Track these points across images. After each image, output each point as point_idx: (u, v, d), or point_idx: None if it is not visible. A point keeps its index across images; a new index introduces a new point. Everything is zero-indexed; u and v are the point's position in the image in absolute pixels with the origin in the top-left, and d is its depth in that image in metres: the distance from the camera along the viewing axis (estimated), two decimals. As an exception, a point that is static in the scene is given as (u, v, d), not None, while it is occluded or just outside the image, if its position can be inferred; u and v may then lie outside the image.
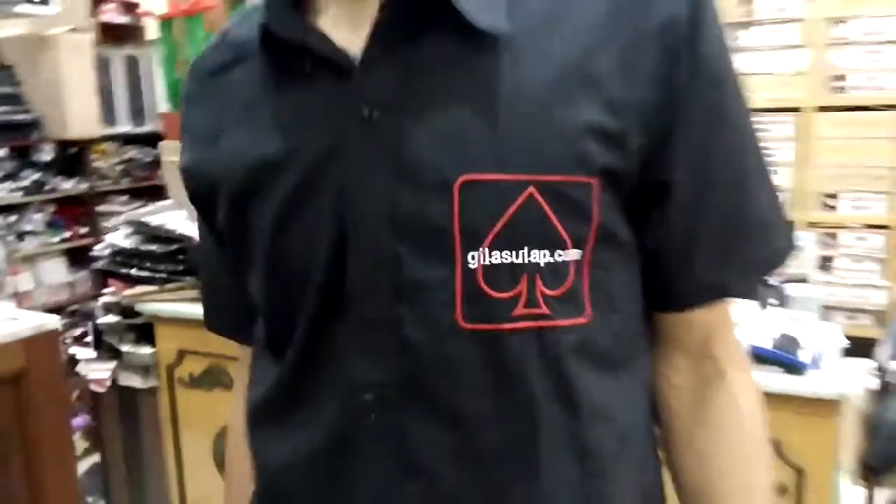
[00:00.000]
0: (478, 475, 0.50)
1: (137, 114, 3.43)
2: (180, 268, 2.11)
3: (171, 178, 2.63)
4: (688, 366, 0.57)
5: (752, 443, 0.57)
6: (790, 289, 1.76)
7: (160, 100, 3.13)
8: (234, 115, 0.55)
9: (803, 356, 1.39)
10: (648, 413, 0.57)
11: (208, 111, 0.58)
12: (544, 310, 0.48)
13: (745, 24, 2.83)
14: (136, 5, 3.42)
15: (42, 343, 0.96)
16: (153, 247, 2.14)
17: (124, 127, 3.42)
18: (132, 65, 3.39)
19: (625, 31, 0.48)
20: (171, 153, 2.62)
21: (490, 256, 0.47)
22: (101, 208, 3.49)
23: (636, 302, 0.54)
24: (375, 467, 0.50)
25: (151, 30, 3.49)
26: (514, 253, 0.47)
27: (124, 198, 3.58)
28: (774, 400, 1.30)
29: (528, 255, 0.47)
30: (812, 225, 2.77)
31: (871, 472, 2.37)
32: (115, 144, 3.41)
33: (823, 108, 2.78)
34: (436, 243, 0.47)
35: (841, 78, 2.74)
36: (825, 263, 2.79)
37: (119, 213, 3.61)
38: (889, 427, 2.25)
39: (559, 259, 0.48)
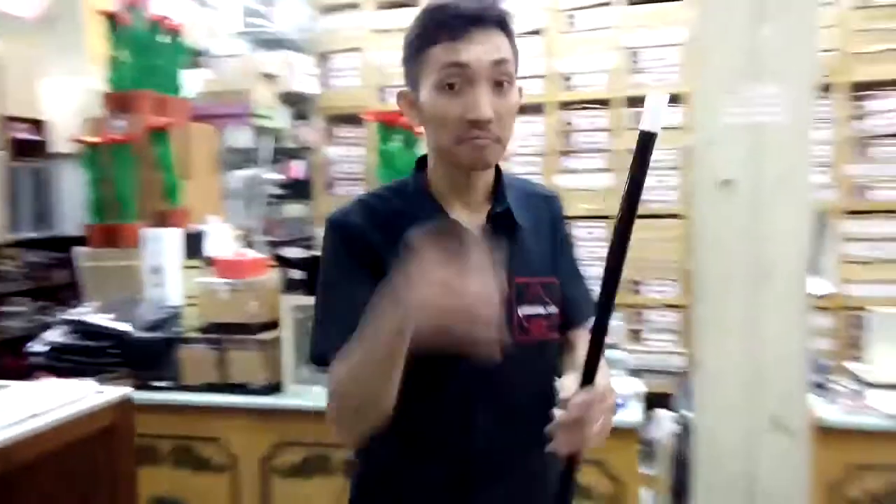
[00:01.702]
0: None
1: (40, 219, 3.67)
2: (115, 360, 2.42)
3: (90, 279, 2.92)
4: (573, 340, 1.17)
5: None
6: (607, 354, 2.42)
7: (74, 211, 3.42)
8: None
9: (617, 399, 2.01)
10: None
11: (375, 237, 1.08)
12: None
13: (566, 153, 3.63)
14: (41, 122, 3.71)
15: (123, 407, 1.33)
16: (90, 342, 2.44)
17: (30, 233, 3.64)
18: (39, 176, 3.66)
19: (549, 223, 1.13)
20: (89, 259, 2.93)
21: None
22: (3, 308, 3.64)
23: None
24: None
25: (58, 145, 3.77)
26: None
27: (26, 298, 3.75)
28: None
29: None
30: (624, 305, 3.51)
31: (678, 496, 2.99)
32: (19, 249, 3.61)
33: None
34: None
35: (639, 194, 3.58)
36: (634, 335, 3.54)
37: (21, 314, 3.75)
38: (688, 459, 2.88)
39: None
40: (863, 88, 3.32)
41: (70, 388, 1.28)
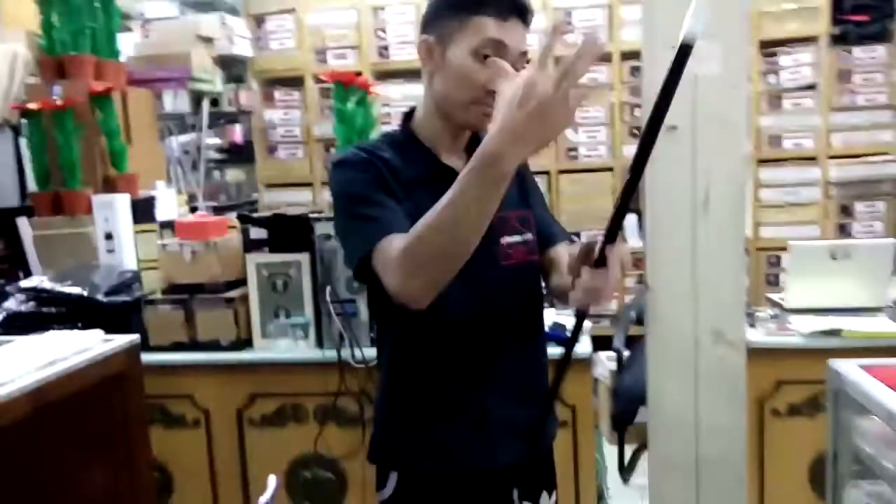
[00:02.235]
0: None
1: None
2: (78, 324, 2.44)
3: (40, 248, 2.89)
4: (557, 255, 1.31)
5: None
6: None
7: (6, 180, 3.32)
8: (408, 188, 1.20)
9: (569, 335, 2.19)
10: None
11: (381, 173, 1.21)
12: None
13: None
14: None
15: (132, 352, 1.39)
16: (51, 308, 2.45)
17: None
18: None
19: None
20: (37, 228, 2.89)
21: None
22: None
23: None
24: None
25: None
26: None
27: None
28: (551, 363, 2.07)
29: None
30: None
31: (617, 427, 3.24)
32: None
33: (563, 171, 3.81)
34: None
35: (574, 149, 3.78)
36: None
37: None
38: (624, 391, 3.09)
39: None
40: (773, 45, 3.59)
41: (79, 338, 1.34)
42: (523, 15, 1.19)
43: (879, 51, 3.48)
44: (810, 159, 3.59)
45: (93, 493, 1.28)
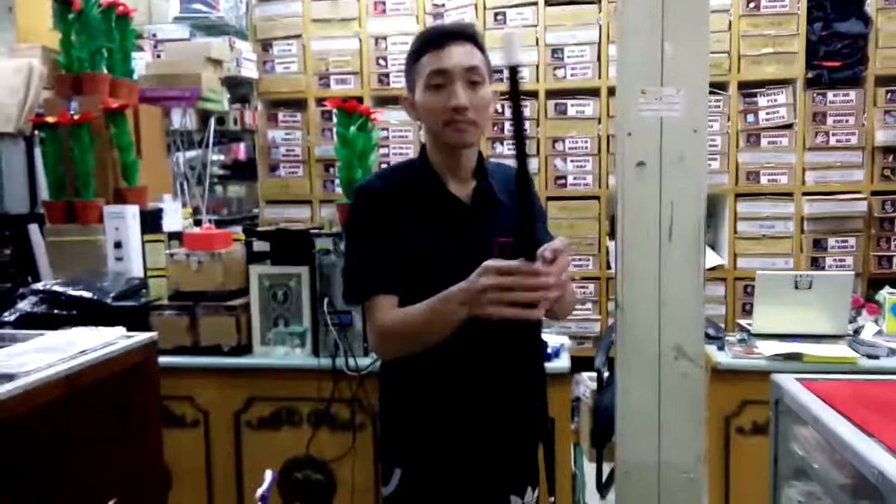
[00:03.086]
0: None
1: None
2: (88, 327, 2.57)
3: (52, 255, 3.03)
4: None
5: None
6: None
7: (17, 189, 3.46)
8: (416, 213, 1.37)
9: (550, 350, 2.34)
10: None
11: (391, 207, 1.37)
12: None
13: (500, 139, 3.96)
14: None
15: (150, 348, 1.53)
16: (63, 311, 2.58)
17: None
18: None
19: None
20: (50, 235, 3.03)
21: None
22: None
23: None
24: None
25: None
26: None
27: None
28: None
29: None
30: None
31: (596, 444, 3.38)
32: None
33: (551, 198, 3.98)
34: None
35: (562, 178, 3.96)
36: (559, 305, 3.91)
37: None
38: (604, 410, 3.23)
39: None
40: (752, 87, 3.80)
41: (105, 333, 1.49)
42: (458, 37, 1.38)
43: (851, 94, 3.69)
44: (786, 195, 3.78)
45: (114, 470, 1.42)
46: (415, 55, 1.41)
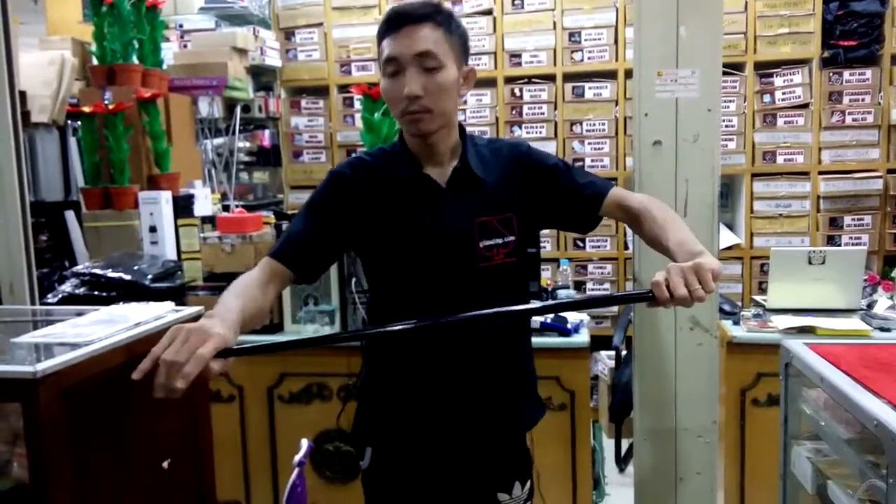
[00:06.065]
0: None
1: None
2: (125, 308, 2.69)
3: (90, 239, 3.16)
4: (627, 207, 1.37)
5: (669, 211, 1.34)
6: (560, 293, 2.84)
7: (54, 178, 3.60)
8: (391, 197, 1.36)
9: (570, 326, 2.42)
10: None
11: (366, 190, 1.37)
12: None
13: (514, 123, 4.03)
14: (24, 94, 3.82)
15: (196, 320, 1.64)
16: (103, 293, 2.71)
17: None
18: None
19: (517, 165, 1.41)
20: (89, 220, 3.16)
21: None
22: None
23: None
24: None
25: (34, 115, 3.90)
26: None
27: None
28: (553, 351, 2.30)
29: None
30: (570, 259, 3.96)
31: (615, 419, 3.46)
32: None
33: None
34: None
35: (580, 160, 4.02)
36: (578, 286, 4.00)
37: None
38: (622, 386, 3.33)
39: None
40: (768, 67, 3.83)
41: (156, 307, 1.59)
42: (412, 20, 1.27)
43: (867, 73, 3.71)
44: (802, 174, 3.82)
45: (167, 433, 1.54)
46: (378, 38, 1.33)
